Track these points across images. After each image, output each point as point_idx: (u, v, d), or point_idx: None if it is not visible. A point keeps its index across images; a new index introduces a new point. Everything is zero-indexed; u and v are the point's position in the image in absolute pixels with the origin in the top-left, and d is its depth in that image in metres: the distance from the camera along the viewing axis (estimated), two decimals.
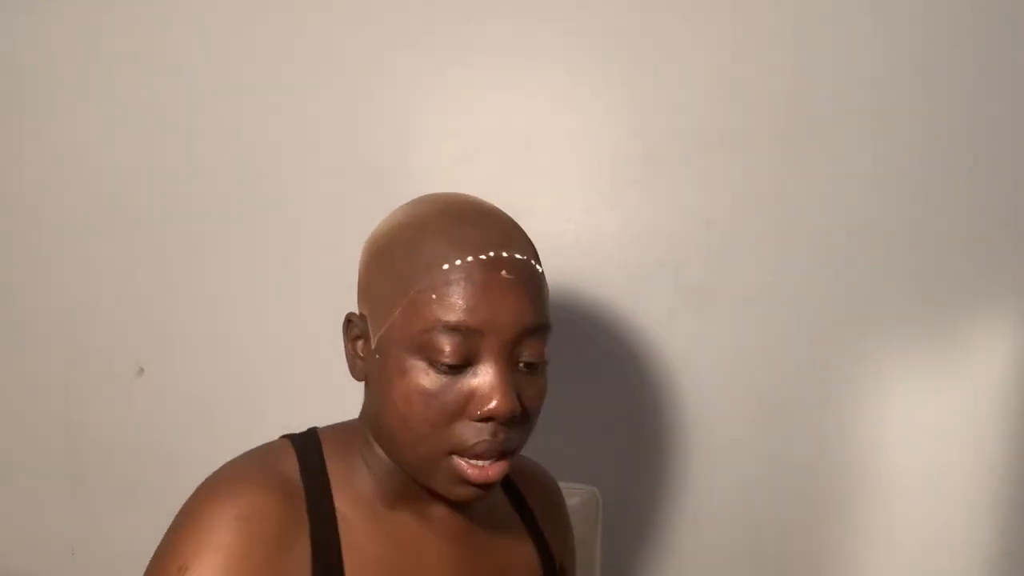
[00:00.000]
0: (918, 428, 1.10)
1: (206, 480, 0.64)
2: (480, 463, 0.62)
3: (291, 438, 0.69)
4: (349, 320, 0.68)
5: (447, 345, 0.60)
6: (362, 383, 0.68)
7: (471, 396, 0.61)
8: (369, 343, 0.65)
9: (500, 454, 0.62)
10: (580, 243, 1.11)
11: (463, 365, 0.61)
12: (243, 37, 1.16)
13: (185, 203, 1.19)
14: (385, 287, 0.63)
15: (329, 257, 1.16)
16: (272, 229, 1.18)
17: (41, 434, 1.25)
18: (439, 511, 0.69)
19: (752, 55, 1.08)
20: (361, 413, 0.70)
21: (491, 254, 0.61)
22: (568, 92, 1.11)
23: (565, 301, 1.10)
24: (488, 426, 0.61)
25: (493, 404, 0.60)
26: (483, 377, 0.61)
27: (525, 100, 1.12)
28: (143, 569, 0.61)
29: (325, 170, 1.16)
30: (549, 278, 1.08)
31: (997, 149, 1.06)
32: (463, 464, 0.61)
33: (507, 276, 0.61)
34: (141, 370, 1.22)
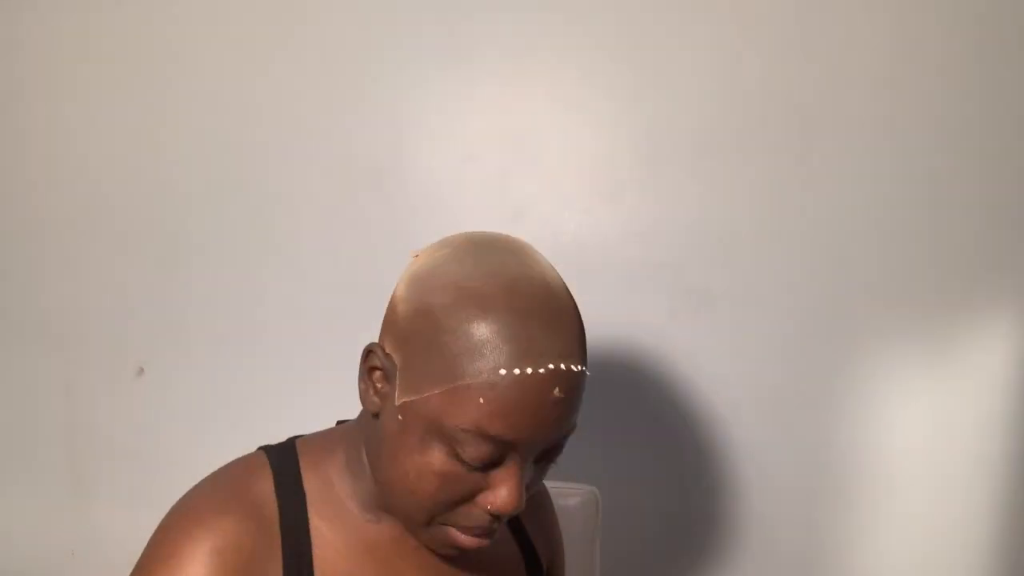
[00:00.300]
0: (918, 428, 1.10)
1: (178, 505, 0.63)
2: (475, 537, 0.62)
3: (267, 451, 0.68)
4: (371, 351, 0.63)
5: (480, 450, 0.57)
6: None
7: (482, 486, 0.59)
8: (392, 388, 0.61)
9: (493, 533, 0.63)
10: (580, 243, 1.11)
11: (487, 467, 0.59)
12: (242, 37, 1.16)
13: (185, 203, 1.19)
14: (429, 355, 0.59)
15: (329, 257, 1.16)
16: (272, 229, 1.18)
17: (41, 434, 1.25)
18: None
19: (753, 55, 1.08)
20: (357, 429, 0.68)
21: (550, 367, 0.58)
22: (568, 92, 1.11)
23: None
24: (489, 515, 0.61)
25: (502, 504, 0.59)
26: (501, 477, 0.59)
27: (525, 100, 1.12)
28: None
29: (325, 170, 1.16)
30: None
31: (999, 149, 1.06)
32: (457, 534, 0.61)
33: (559, 395, 0.58)
34: (141, 370, 1.22)
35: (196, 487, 0.65)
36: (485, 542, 0.62)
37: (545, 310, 0.60)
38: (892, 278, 1.09)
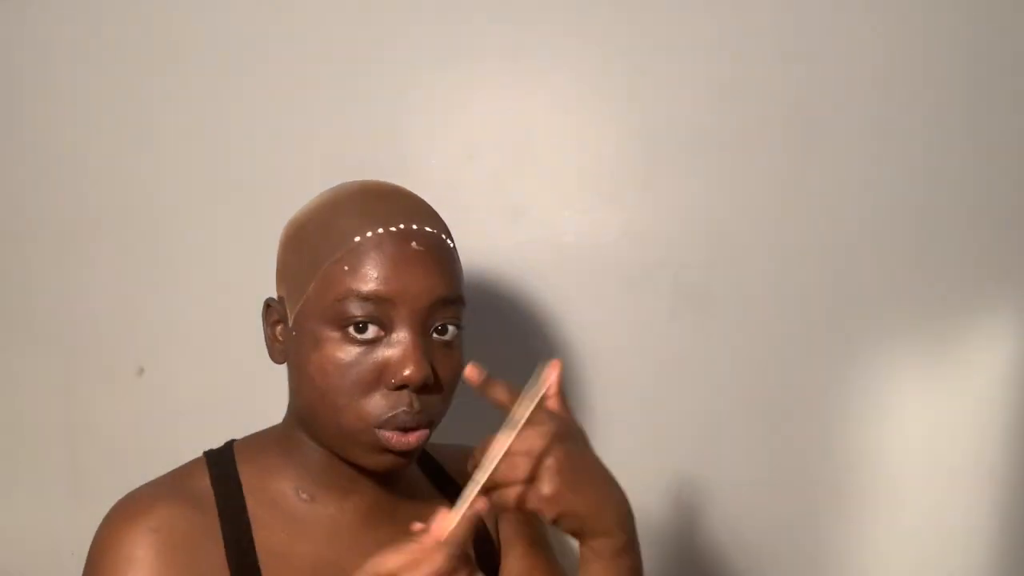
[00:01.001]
0: (918, 429, 1.10)
1: (117, 502, 0.67)
2: (401, 433, 0.63)
3: (206, 453, 0.72)
4: (268, 305, 0.70)
5: (362, 312, 0.61)
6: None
7: (385, 366, 0.62)
8: (287, 325, 0.66)
9: (419, 424, 0.63)
10: (580, 243, 1.11)
11: (377, 336, 0.62)
12: (241, 37, 1.16)
13: (185, 203, 1.19)
14: (300, 265, 0.66)
15: None
16: (272, 229, 1.17)
17: (41, 434, 1.24)
18: (360, 497, 0.70)
19: (753, 55, 1.08)
20: (288, 410, 0.72)
21: (401, 226, 0.64)
22: (568, 92, 1.11)
23: (565, 301, 1.10)
24: (404, 395, 0.62)
25: (407, 372, 0.61)
26: (396, 347, 0.62)
27: (525, 100, 1.12)
28: None
29: (324, 170, 1.15)
30: (549, 278, 1.09)
31: (999, 150, 1.06)
32: (388, 436, 0.63)
33: (417, 247, 0.63)
34: (141, 370, 1.21)
35: (134, 489, 0.68)
36: (412, 441, 0.63)
37: (392, 192, 0.69)
38: (892, 278, 1.09)
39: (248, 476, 0.69)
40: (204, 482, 0.68)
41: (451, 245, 0.68)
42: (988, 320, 1.07)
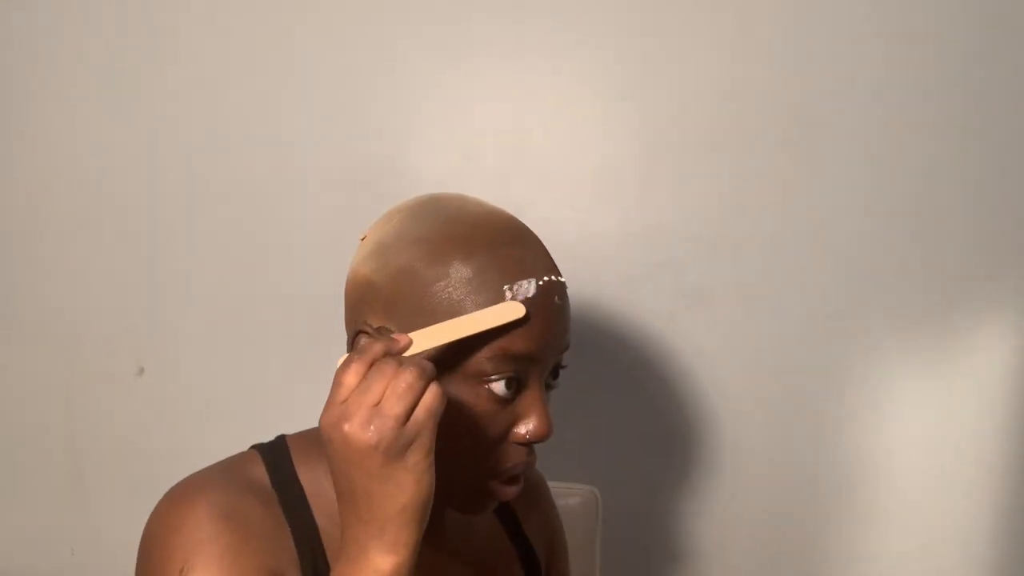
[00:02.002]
0: (919, 427, 1.10)
1: (170, 491, 0.61)
2: (513, 484, 0.62)
3: (258, 448, 0.67)
4: (361, 332, 0.62)
5: (508, 374, 0.58)
6: None
7: (515, 421, 0.60)
8: None
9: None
10: (580, 243, 1.11)
11: (515, 393, 0.60)
12: (242, 38, 1.16)
13: (185, 203, 1.19)
14: (420, 303, 0.59)
15: (329, 257, 1.16)
16: (272, 229, 1.18)
17: (41, 434, 1.25)
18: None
19: (752, 55, 1.08)
20: None
21: (545, 279, 0.60)
22: (568, 92, 1.11)
23: None
24: (525, 449, 0.61)
25: (540, 429, 0.60)
26: (528, 402, 0.60)
27: (525, 100, 1.12)
28: None
29: (325, 170, 1.16)
30: None
31: (999, 150, 1.06)
32: (498, 487, 0.61)
33: (559, 303, 0.61)
34: (141, 370, 1.22)
35: (184, 479, 0.63)
36: (520, 486, 0.63)
37: (517, 235, 0.63)
38: (892, 278, 1.09)
39: (308, 481, 0.64)
40: (264, 478, 0.63)
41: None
42: (988, 320, 1.07)
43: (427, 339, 0.57)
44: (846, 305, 1.09)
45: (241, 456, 0.66)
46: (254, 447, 0.67)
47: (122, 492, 1.23)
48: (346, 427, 0.50)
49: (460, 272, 0.59)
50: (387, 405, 0.50)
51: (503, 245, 0.60)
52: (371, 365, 0.52)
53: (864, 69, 1.06)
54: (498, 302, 0.58)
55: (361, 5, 1.13)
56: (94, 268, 1.21)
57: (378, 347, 0.54)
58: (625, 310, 1.11)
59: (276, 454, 0.65)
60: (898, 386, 1.09)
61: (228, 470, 0.63)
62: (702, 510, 1.14)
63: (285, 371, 1.18)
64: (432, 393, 0.52)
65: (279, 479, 0.63)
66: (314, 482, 0.64)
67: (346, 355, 0.57)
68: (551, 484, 0.87)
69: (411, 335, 0.56)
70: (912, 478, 1.11)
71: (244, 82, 1.16)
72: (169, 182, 1.19)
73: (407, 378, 0.51)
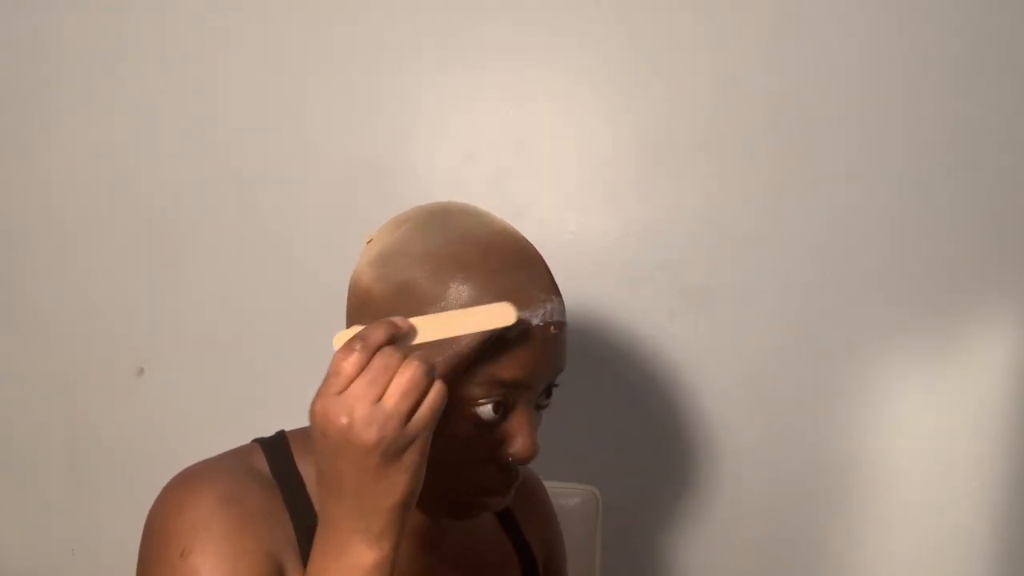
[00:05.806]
0: (919, 427, 1.10)
1: (173, 479, 0.62)
2: (500, 496, 0.62)
3: (259, 440, 0.67)
4: None
5: (496, 398, 0.58)
6: None
7: (501, 443, 0.60)
8: None
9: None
10: (580, 243, 1.11)
11: (502, 417, 0.59)
12: (245, 39, 1.16)
13: (185, 203, 1.19)
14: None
15: (329, 257, 1.16)
16: (273, 229, 1.18)
17: (41, 434, 1.24)
18: (412, 519, 0.67)
19: (752, 55, 1.08)
20: None
21: (544, 308, 0.60)
22: (568, 92, 1.11)
23: (565, 301, 1.10)
24: (510, 466, 0.61)
25: (524, 452, 0.59)
26: (515, 425, 0.60)
27: (525, 100, 1.12)
28: None
29: (326, 170, 1.16)
30: None
31: (998, 149, 1.06)
32: (484, 498, 0.62)
33: (554, 331, 0.60)
34: (141, 370, 1.22)
35: (186, 468, 0.64)
36: (507, 499, 0.63)
37: (520, 259, 0.61)
38: (892, 278, 1.09)
39: (307, 473, 0.64)
40: (263, 467, 0.64)
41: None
42: (988, 319, 1.07)
43: (423, 329, 0.54)
44: (846, 305, 1.09)
45: (242, 448, 0.66)
46: (255, 440, 0.68)
47: (122, 492, 1.23)
48: (346, 422, 0.48)
49: (459, 294, 0.58)
50: (392, 403, 0.49)
51: (505, 271, 0.59)
52: (373, 354, 0.50)
53: (863, 69, 1.06)
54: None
55: (362, 6, 1.13)
56: (94, 268, 1.21)
57: (380, 333, 0.50)
58: (625, 310, 1.11)
59: (276, 446, 0.66)
60: (897, 385, 1.09)
61: (230, 459, 0.64)
62: (702, 510, 1.14)
63: (285, 371, 1.18)
64: (436, 391, 0.51)
65: (279, 469, 0.64)
66: (313, 474, 0.63)
67: (341, 332, 0.55)
68: (551, 484, 0.87)
69: (411, 320, 0.54)
70: (914, 476, 1.11)
71: (246, 83, 1.17)
72: (169, 182, 1.19)
73: (413, 374, 0.49)
